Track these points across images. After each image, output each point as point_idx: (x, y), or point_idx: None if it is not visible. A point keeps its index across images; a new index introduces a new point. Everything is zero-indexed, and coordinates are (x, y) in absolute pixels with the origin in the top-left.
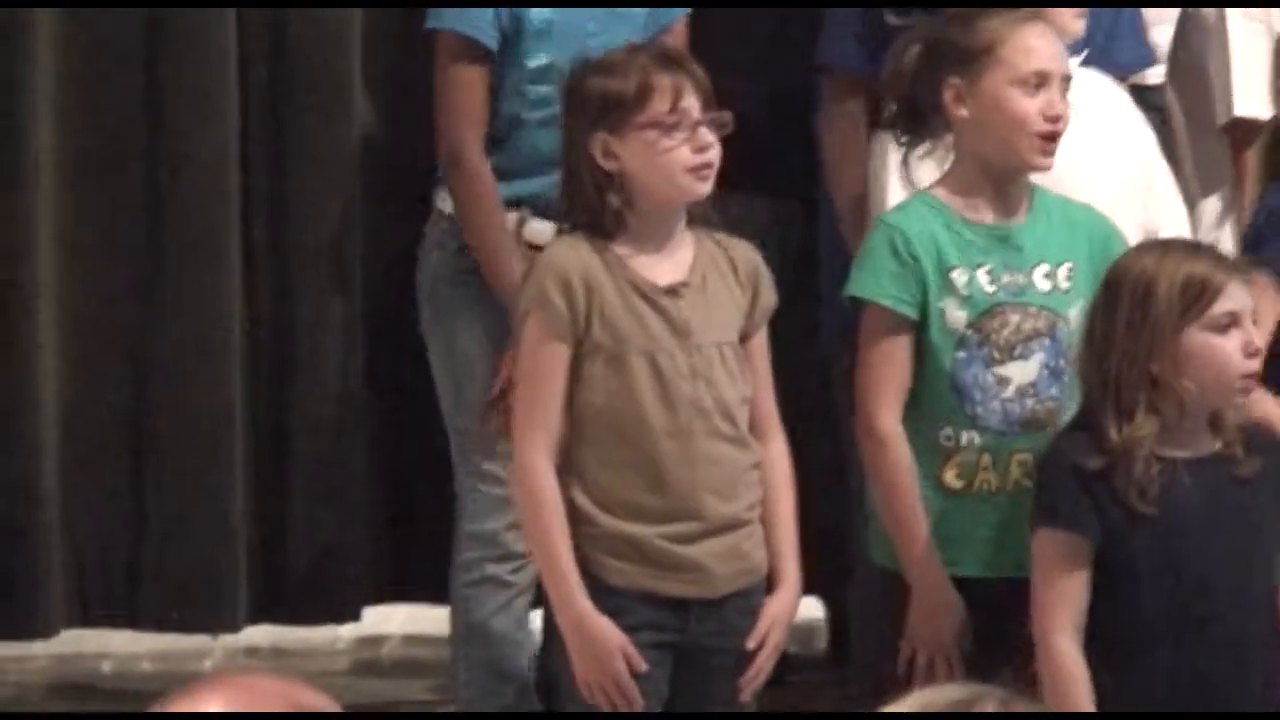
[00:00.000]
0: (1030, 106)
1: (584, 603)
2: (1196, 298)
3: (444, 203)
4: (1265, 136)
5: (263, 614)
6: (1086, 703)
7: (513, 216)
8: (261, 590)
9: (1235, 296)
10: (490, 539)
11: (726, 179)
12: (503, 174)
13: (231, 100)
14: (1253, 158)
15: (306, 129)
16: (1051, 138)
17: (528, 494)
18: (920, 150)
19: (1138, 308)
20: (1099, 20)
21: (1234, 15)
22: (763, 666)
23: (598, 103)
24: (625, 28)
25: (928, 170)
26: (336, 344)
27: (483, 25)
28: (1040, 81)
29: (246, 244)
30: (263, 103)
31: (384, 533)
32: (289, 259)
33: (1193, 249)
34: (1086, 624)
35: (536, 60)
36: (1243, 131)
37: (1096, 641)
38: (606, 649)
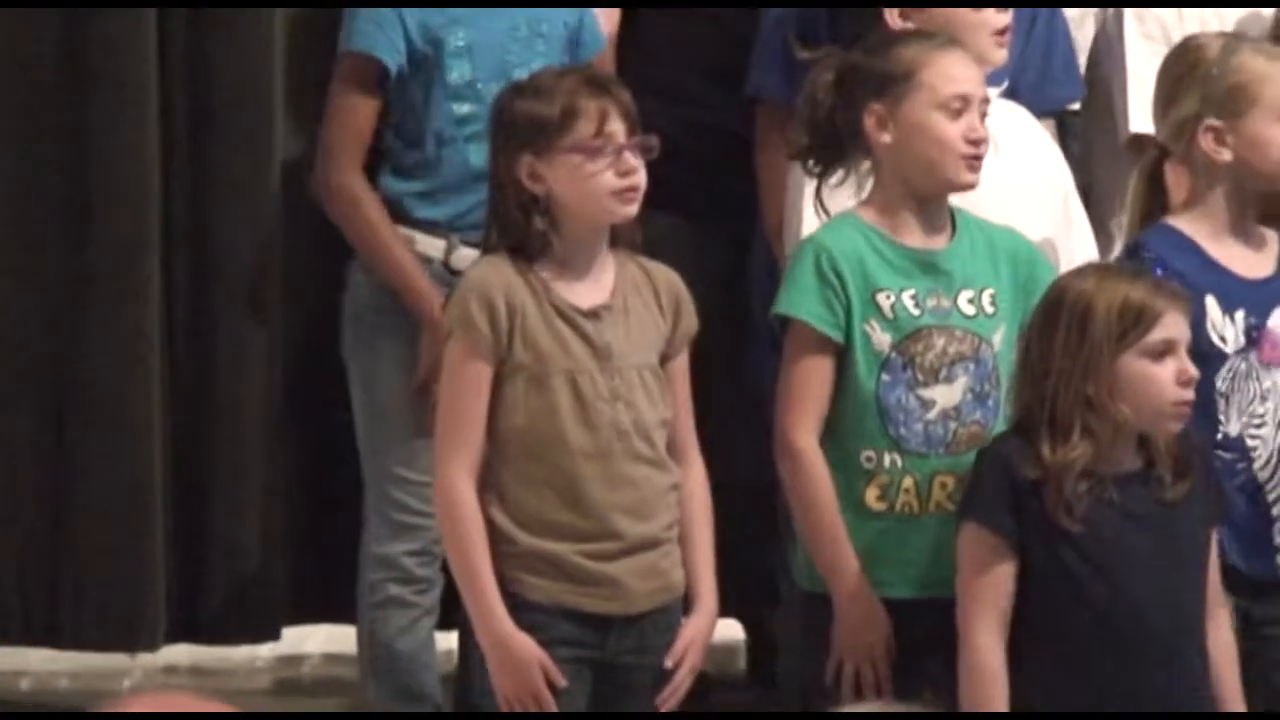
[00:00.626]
0: (953, 129)
1: (503, 619)
2: (1134, 324)
3: None
4: (1145, 165)
5: (182, 633)
6: (1000, 699)
7: (440, 244)
8: (180, 610)
9: (1172, 325)
10: (393, 562)
11: (655, 201)
12: (432, 194)
13: (151, 124)
14: (1132, 185)
15: (227, 153)
16: (975, 158)
17: (448, 512)
18: (834, 179)
19: (1075, 330)
20: (1031, 58)
21: (1132, 31)
22: (679, 685)
23: (524, 125)
24: (544, 48)
25: (842, 198)
26: (257, 366)
27: (386, 45)
28: (962, 105)
29: (167, 265)
30: (183, 128)
31: (304, 552)
32: (209, 281)
33: (1132, 274)
34: (1015, 638)
35: (458, 77)
36: (1142, 149)
37: (1026, 656)
38: (526, 664)
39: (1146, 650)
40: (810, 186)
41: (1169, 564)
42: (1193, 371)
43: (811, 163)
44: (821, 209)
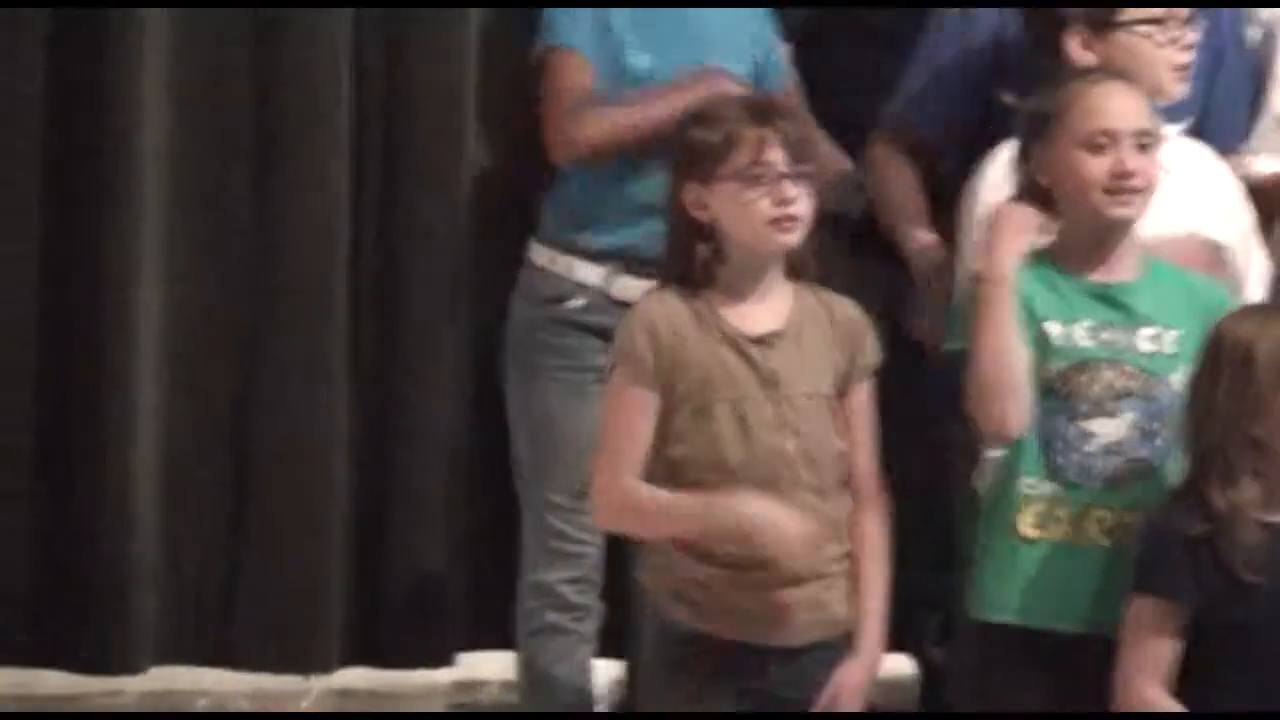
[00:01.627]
0: (1095, 166)
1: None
2: None
3: (535, 253)
4: None
5: (357, 656)
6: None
7: (600, 271)
8: (356, 632)
9: None
10: (550, 589)
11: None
12: (590, 222)
13: (344, 132)
14: None
15: (417, 171)
16: (1124, 192)
17: (622, 503)
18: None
19: (1239, 371)
20: (1216, 100)
21: None
22: None
23: (690, 152)
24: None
25: None
26: (442, 389)
27: (586, 43)
28: (1108, 140)
29: (354, 285)
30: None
31: (483, 577)
32: (397, 303)
33: None
34: (1196, 694)
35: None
36: None
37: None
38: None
39: None
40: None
41: None
42: None
43: (1029, 205)
44: None
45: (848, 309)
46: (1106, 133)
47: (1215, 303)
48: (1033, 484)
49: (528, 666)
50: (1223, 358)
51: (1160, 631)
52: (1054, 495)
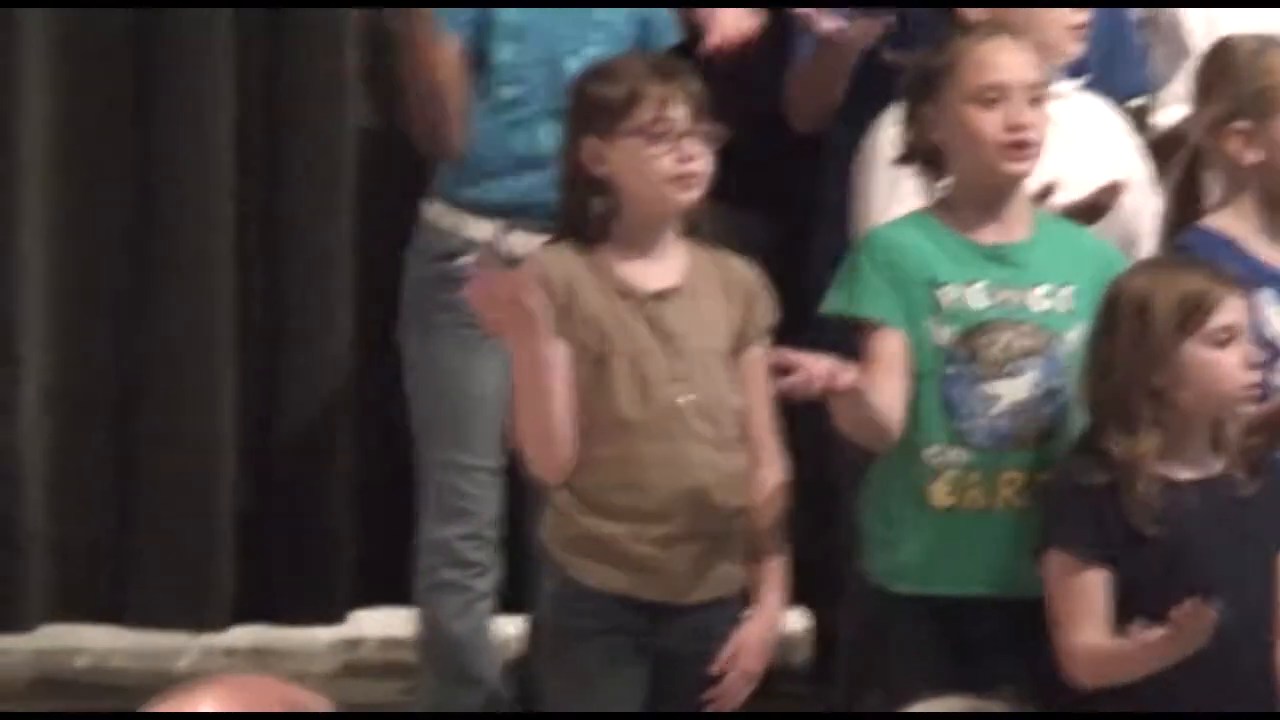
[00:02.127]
0: (989, 120)
1: None
2: (1193, 311)
3: (427, 211)
4: (1183, 163)
5: (248, 614)
6: (1148, 635)
7: (490, 227)
8: (246, 591)
9: (1232, 310)
10: (446, 546)
11: (728, 196)
12: (481, 175)
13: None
14: (1170, 183)
15: (301, 135)
16: (1017, 146)
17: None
18: (941, 183)
19: (1136, 323)
20: (1096, 45)
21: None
22: (729, 689)
23: (589, 107)
24: (602, 35)
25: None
26: (325, 349)
27: (457, 23)
28: (998, 94)
29: (240, 240)
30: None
31: (374, 535)
32: (283, 264)
33: (1188, 264)
34: None
35: (504, 59)
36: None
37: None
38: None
39: (1229, 647)
40: (880, 183)
41: (1246, 565)
42: (1257, 355)
43: (916, 168)
44: None
45: (742, 268)
46: (997, 86)
47: (1107, 259)
48: (939, 451)
49: (425, 623)
50: (1120, 310)
51: (1082, 583)
52: (964, 461)
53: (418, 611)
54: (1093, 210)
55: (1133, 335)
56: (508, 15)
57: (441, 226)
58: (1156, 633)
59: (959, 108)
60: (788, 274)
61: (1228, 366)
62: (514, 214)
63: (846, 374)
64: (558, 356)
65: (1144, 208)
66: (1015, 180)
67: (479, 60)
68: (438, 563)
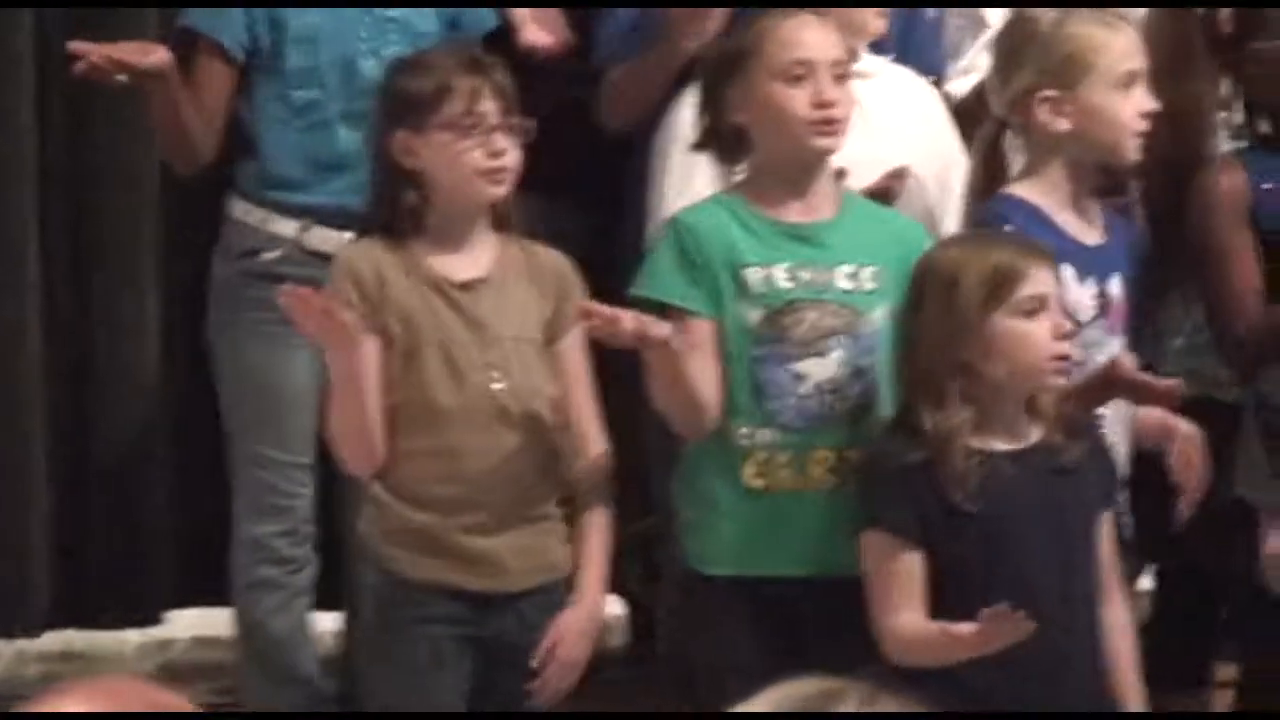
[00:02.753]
0: (796, 96)
1: None
2: (1001, 283)
3: (232, 208)
4: (986, 136)
5: (63, 618)
6: (959, 628)
7: (294, 224)
8: (61, 595)
9: (1040, 281)
10: (263, 544)
11: (538, 185)
12: (279, 182)
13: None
14: (972, 155)
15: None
16: (826, 122)
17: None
18: (739, 167)
19: (943, 297)
20: (894, 23)
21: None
22: (550, 680)
23: (399, 100)
24: (398, 34)
25: None
26: (138, 349)
27: (228, 32)
28: (805, 71)
29: (46, 252)
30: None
31: (190, 534)
32: (89, 265)
33: (996, 238)
34: None
35: (297, 63)
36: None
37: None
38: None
39: (1050, 619)
40: (675, 166)
41: (1067, 536)
42: (1066, 325)
43: (713, 152)
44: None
45: (553, 258)
46: (803, 63)
47: (912, 238)
48: (748, 433)
49: (243, 621)
50: (928, 284)
51: (898, 563)
52: (774, 442)
53: (235, 610)
54: (884, 196)
55: (940, 309)
56: (298, 21)
57: (246, 223)
58: (969, 627)
59: (765, 86)
60: (598, 262)
61: (1036, 337)
62: (318, 214)
63: (660, 326)
64: (369, 353)
65: (949, 186)
66: (822, 157)
67: (271, 65)
68: (255, 560)
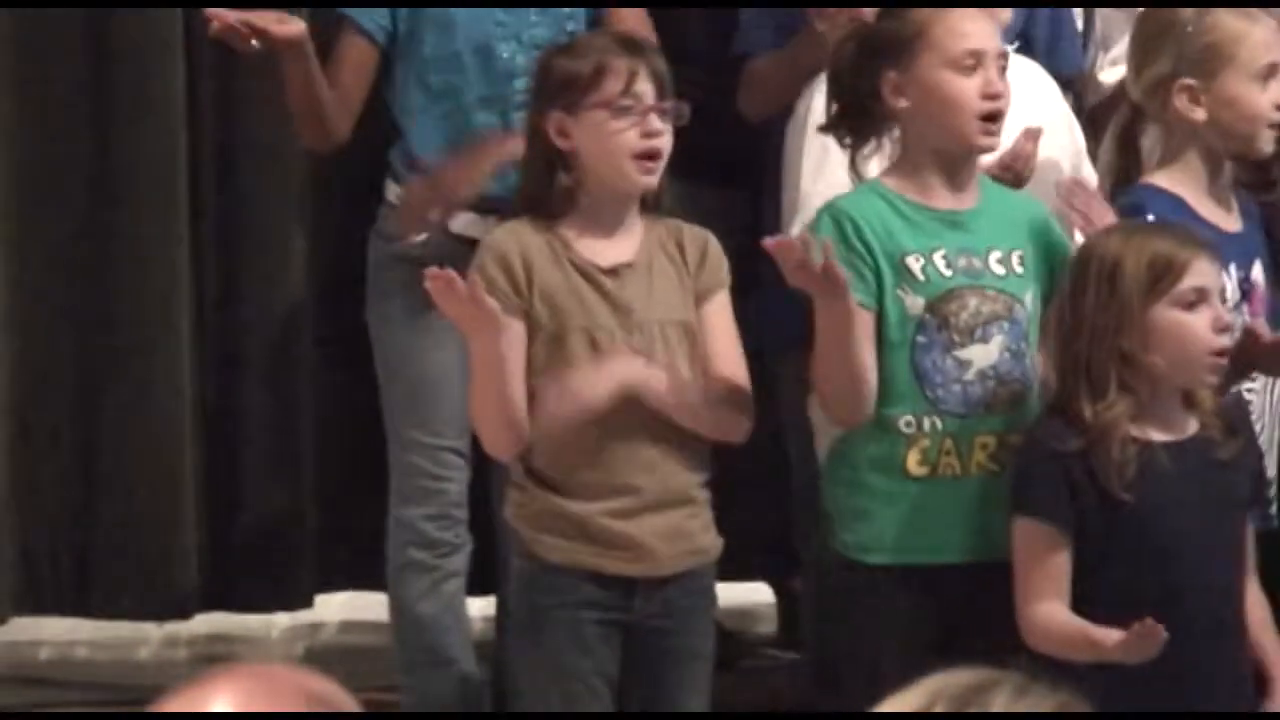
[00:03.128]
0: (966, 87)
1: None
2: (1163, 274)
3: (388, 191)
4: (1120, 124)
5: (212, 601)
6: (1100, 634)
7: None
8: (210, 578)
9: (1202, 273)
10: (410, 525)
11: (689, 169)
12: (422, 167)
13: (178, 96)
14: (1106, 144)
15: (256, 125)
16: (993, 117)
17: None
18: (868, 149)
19: (1105, 286)
20: (1040, 19)
21: None
22: None
23: (556, 81)
24: (539, 18)
25: (874, 168)
26: (287, 333)
27: (368, 16)
28: (975, 62)
29: (195, 235)
30: (211, 98)
31: (338, 519)
32: (237, 249)
33: (1159, 228)
34: (1080, 614)
35: (434, 48)
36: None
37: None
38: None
39: (1196, 618)
40: (811, 150)
41: (1222, 528)
42: (1227, 318)
43: (844, 134)
44: (857, 178)
45: (697, 234)
46: (975, 53)
47: (1043, 220)
48: (912, 421)
49: (395, 604)
50: (1089, 273)
51: (1048, 552)
52: (938, 429)
53: (389, 593)
54: (1020, 158)
55: (1101, 298)
56: (435, 9)
57: (396, 207)
58: (1111, 634)
59: (935, 73)
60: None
61: (1197, 329)
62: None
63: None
64: (515, 337)
65: (1081, 175)
66: (982, 152)
67: (410, 50)
68: (404, 542)
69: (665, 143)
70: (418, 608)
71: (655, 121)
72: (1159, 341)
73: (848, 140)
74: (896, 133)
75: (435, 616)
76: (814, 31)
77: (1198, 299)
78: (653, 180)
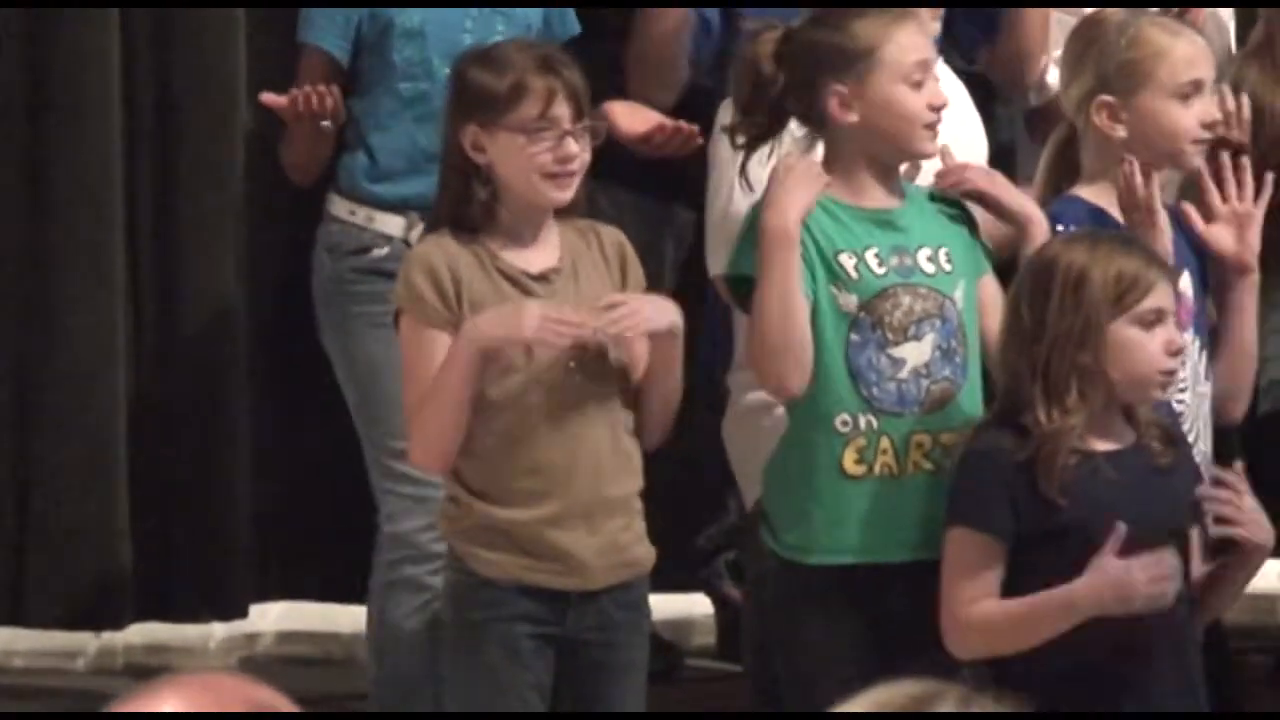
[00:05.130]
0: (918, 101)
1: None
2: (1128, 291)
3: (334, 206)
4: (1058, 136)
5: (148, 612)
6: (1044, 597)
7: (400, 221)
8: (146, 587)
9: (1162, 294)
10: (408, 540)
11: (636, 179)
12: (385, 175)
13: (115, 110)
14: (1044, 155)
15: (193, 136)
16: (935, 125)
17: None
18: (761, 151)
19: (1070, 296)
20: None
21: None
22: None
23: (472, 95)
24: (504, 26)
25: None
26: (225, 347)
27: (330, 37)
28: (923, 75)
29: (132, 250)
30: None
31: (271, 528)
32: (176, 264)
33: (1123, 242)
34: None
35: (406, 57)
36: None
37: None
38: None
39: (1148, 621)
40: (731, 162)
41: (1160, 530)
42: (1180, 341)
43: (739, 137)
44: (746, 184)
45: (615, 235)
46: (923, 65)
47: (963, 215)
48: (848, 420)
49: (380, 619)
50: (1054, 282)
51: (983, 562)
52: (874, 428)
53: (371, 607)
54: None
55: (1065, 307)
56: (403, 16)
57: (352, 221)
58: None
59: (887, 87)
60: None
61: (1151, 350)
62: (421, 207)
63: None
64: (441, 351)
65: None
66: (926, 158)
67: (379, 59)
68: (400, 559)
69: (580, 164)
70: (404, 626)
71: (571, 145)
72: (1116, 357)
73: (741, 141)
74: (786, 139)
75: (418, 634)
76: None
77: (1156, 319)
78: (567, 195)
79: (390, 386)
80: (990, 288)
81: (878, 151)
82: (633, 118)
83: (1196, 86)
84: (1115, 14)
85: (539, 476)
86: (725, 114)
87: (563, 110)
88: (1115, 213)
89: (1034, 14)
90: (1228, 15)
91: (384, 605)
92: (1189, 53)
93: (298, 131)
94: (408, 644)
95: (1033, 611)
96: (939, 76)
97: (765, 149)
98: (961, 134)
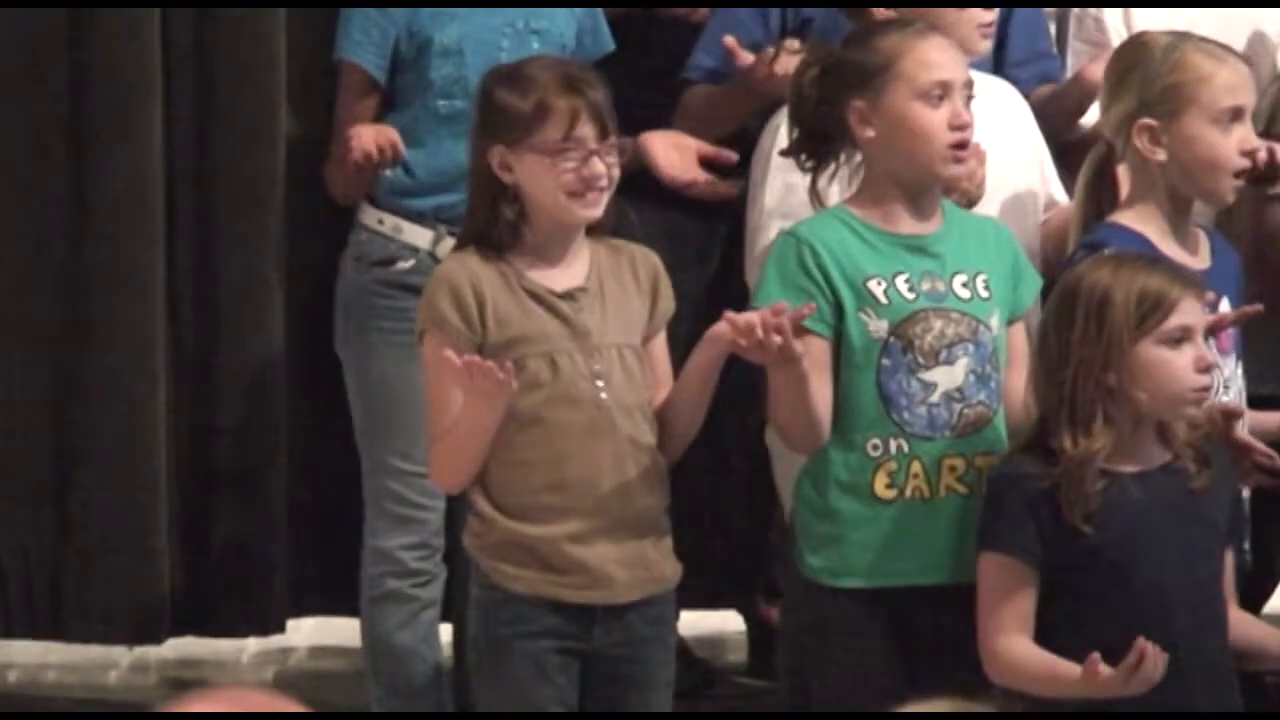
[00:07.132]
0: (935, 118)
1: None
2: (1152, 311)
3: (364, 215)
4: (1095, 159)
5: (186, 626)
6: (1065, 668)
7: (427, 234)
8: (182, 601)
9: (1188, 312)
10: (391, 556)
11: (666, 198)
12: (419, 189)
13: (155, 121)
14: (1081, 178)
15: (231, 148)
16: (960, 146)
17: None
18: (827, 173)
19: (1094, 319)
20: (1014, 40)
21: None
22: None
23: (497, 115)
24: (540, 45)
25: (835, 194)
26: (261, 360)
27: (369, 55)
28: (943, 93)
29: (170, 258)
30: (186, 124)
31: (309, 544)
32: (213, 274)
33: (1147, 262)
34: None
35: (444, 74)
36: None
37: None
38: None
39: (1183, 647)
40: (774, 180)
41: (1199, 552)
42: (1210, 358)
43: (804, 158)
44: (818, 203)
45: (646, 256)
46: (943, 84)
47: (1003, 239)
48: (879, 444)
49: (371, 634)
50: (1078, 305)
51: (1012, 587)
52: (905, 452)
53: (363, 621)
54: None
55: (1089, 331)
56: (441, 34)
57: (380, 231)
58: (1078, 669)
59: (904, 104)
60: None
61: (1179, 368)
62: (449, 220)
63: (797, 344)
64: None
65: (1046, 178)
66: (947, 182)
67: (416, 76)
68: (382, 572)
69: (606, 182)
70: (394, 638)
71: (597, 165)
72: (1143, 378)
73: (808, 164)
74: (858, 158)
75: (412, 647)
76: (744, 83)
77: (1183, 337)
78: (596, 212)
79: (398, 407)
80: (1017, 338)
81: (898, 171)
82: (670, 156)
83: (1237, 114)
84: (1160, 36)
85: (564, 492)
86: (768, 135)
87: (587, 130)
88: (1156, 239)
89: (1096, 70)
90: (1276, 34)
91: (373, 619)
92: (1231, 80)
93: (356, 170)
94: (401, 656)
95: (1054, 676)
96: (969, 96)
97: (830, 166)
98: (1015, 140)
